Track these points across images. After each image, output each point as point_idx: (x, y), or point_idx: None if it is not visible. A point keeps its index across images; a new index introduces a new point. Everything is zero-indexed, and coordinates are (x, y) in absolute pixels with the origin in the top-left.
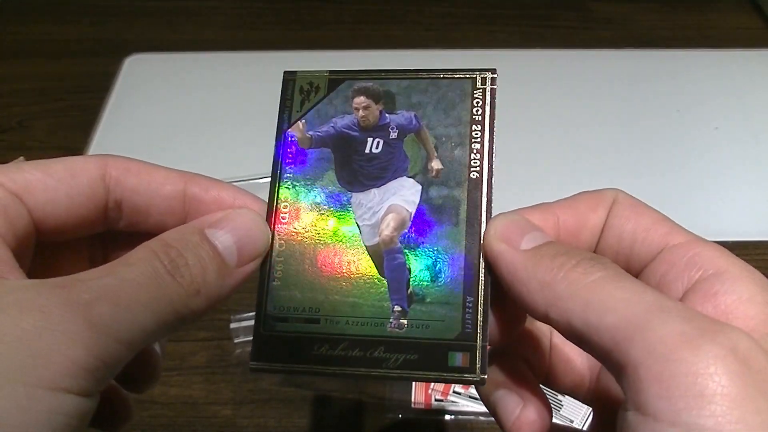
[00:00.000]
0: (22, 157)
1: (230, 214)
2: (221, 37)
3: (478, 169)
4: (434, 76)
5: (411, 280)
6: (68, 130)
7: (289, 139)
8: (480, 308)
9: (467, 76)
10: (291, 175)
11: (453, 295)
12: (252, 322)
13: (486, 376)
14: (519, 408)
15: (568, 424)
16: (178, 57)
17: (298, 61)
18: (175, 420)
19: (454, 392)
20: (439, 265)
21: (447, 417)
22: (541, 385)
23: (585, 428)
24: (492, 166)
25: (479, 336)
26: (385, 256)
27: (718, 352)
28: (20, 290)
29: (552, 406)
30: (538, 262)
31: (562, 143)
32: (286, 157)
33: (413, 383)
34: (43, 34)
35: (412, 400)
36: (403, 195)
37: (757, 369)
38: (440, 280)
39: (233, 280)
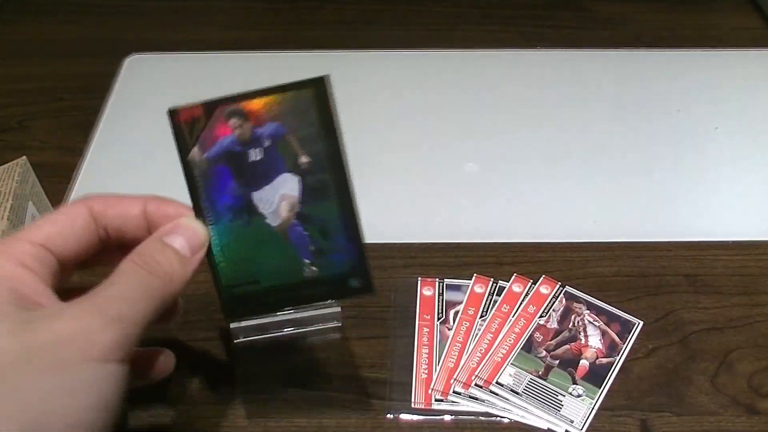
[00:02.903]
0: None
1: (177, 223)
2: (221, 37)
3: (333, 155)
4: (282, 91)
5: (310, 240)
6: (68, 130)
7: (192, 162)
8: (359, 246)
9: (307, 86)
10: (204, 189)
11: (341, 244)
12: (251, 322)
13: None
14: None
15: (568, 424)
16: (178, 57)
17: (298, 61)
18: (176, 420)
19: (454, 392)
20: (326, 226)
21: (447, 417)
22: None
23: (584, 429)
24: (343, 151)
25: (363, 264)
26: (288, 230)
27: None
28: (62, 310)
29: (552, 405)
30: None
31: (561, 143)
32: (194, 176)
33: (412, 382)
34: (43, 34)
35: (412, 400)
36: (288, 186)
37: None
38: (330, 237)
39: (192, 266)
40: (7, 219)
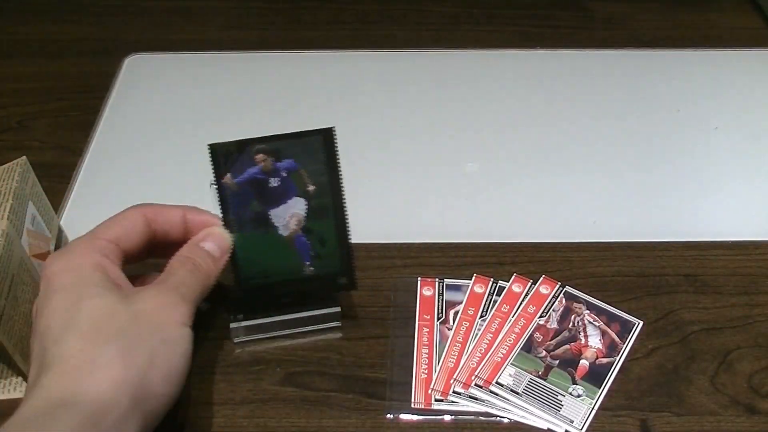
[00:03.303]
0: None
1: (209, 231)
2: (221, 37)
3: (334, 186)
4: (298, 136)
5: (311, 248)
6: (68, 130)
7: (225, 184)
8: (348, 254)
9: (317, 134)
10: (232, 205)
11: (333, 251)
12: (251, 322)
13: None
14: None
15: (568, 424)
16: (178, 57)
17: (298, 61)
18: (175, 420)
19: (454, 392)
20: (324, 238)
21: (447, 417)
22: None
23: (584, 429)
24: (341, 183)
25: (350, 267)
26: (295, 239)
27: None
28: (144, 290)
29: (552, 405)
30: None
31: (561, 143)
32: (226, 195)
33: (412, 382)
34: (43, 34)
35: (412, 400)
36: (297, 206)
37: None
38: (326, 245)
39: (221, 263)
40: (8, 219)
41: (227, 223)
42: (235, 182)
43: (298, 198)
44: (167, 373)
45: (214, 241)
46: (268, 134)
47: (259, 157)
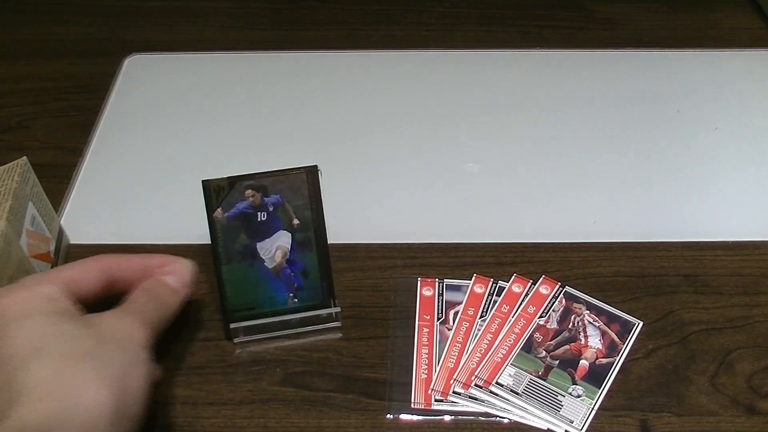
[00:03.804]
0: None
1: (171, 268)
2: (221, 37)
3: (316, 220)
4: (284, 173)
5: (295, 280)
6: (68, 130)
7: (215, 218)
8: (329, 286)
9: (301, 171)
10: (222, 238)
11: (316, 283)
12: (251, 322)
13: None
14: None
15: (567, 424)
16: (178, 57)
17: (298, 61)
18: (175, 420)
19: (454, 392)
20: (307, 270)
21: (447, 417)
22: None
23: (584, 429)
24: (323, 218)
25: (330, 299)
26: (280, 271)
27: None
28: (103, 315)
29: (552, 405)
30: None
31: (561, 143)
32: (216, 229)
33: (412, 382)
34: (43, 34)
35: (412, 400)
36: (283, 239)
37: None
38: (309, 277)
39: (181, 296)
40: (7, 219)
41: (216, 256)
42: (225, 216)
43: (284, 231)
44: (137, 393)
45: (174, 275)
46: (256, 171)
47: (248, 192)
